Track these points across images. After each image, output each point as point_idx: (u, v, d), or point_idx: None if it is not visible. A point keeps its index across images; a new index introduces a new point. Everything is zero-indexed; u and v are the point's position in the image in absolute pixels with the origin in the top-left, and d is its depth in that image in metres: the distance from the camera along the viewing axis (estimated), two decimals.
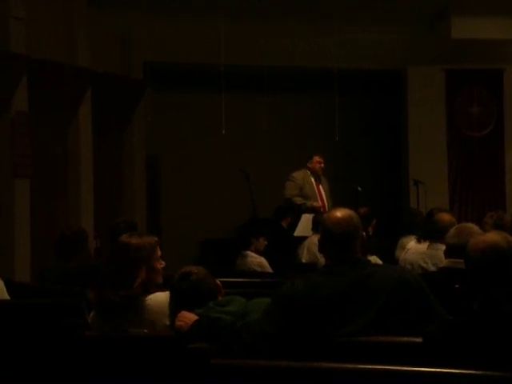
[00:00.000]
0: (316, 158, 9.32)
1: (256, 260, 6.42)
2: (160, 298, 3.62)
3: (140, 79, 10.23)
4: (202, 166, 11.66)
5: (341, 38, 10.27)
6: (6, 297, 4.40)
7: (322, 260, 4.94)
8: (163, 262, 3.80)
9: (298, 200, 9.12)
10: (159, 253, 3.79)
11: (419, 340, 2.78)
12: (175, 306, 3.50)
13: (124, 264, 3.63)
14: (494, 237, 2.68)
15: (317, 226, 7.12)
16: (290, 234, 8.54)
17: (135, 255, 3.65)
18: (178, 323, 3.34)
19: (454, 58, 11.09)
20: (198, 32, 10.20)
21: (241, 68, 10.75)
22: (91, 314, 3.68)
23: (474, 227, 4.30)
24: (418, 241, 5.77)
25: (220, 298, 3.56)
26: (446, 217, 5.30)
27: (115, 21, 9.88)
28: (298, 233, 8.46)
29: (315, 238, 6.66)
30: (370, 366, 2.62)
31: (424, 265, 5.25)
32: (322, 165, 9.33)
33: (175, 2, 9.83)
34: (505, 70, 11.45)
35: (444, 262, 4.36)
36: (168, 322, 3.52)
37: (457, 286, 3.81)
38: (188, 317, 3.34)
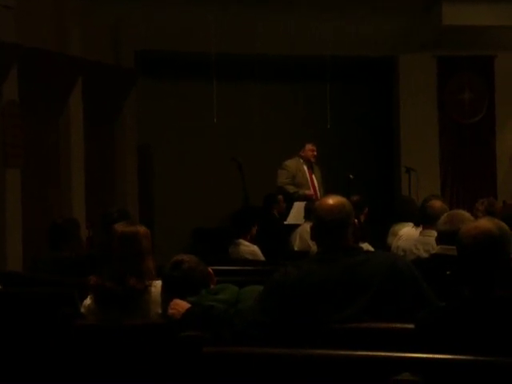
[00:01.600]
0: (309, 146, 9.32)
1: (248, 248, 6.42)
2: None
3: (131, 68, 10.20)
4: (194, 155, 11.64)
5: (332, 26, 10.25)
6: None
7: (314, 248, 4.94)
8: None
9: (291, 188, 9.13)
10: None
11: (411, 326, 2.78)
12: (167, 294, 3.50)
13: (134, 252, 3.59)
14: (485, 223, 2.67)
15: (309, 213, 7.12)
16: (281, 222, 8.55)
17: (145, 243, 3.64)
18: (170, 311, 3.35)
19: (446, 44, 11.09)
20: (190, 21, 10.17)
21: (232, 56, 10.72)
22: (85, 303, 3.65)
23: (465, 214, 4.30)
24: (416, 226, 5.77)
25: (212, 286, 3.56)
26: (437, 203, 5.30)
27: (106, 10, 9.83)
28: (289, 221, 8.47)
29: (307, 226, 6.61)
30: (363, 353, 2.63)
31: (416, 251, 5.26)
32: (315, 153, 9.34)
33: None
34: (496, 57, 11.45)
35: (436, 248, 4.36)
36: (160, 311, 3.52)
37: (448, 272, 3.82)
38: (180, 305, 3.34)
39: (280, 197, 8.92)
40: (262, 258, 6.41)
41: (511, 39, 11.22)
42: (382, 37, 10.92)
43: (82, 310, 3.61)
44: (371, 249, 5.56)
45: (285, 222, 8.52)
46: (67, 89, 8.78)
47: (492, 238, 2.61)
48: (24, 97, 7.98)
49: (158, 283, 3.59)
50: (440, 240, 4.23)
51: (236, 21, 10.30)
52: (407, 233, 5.86)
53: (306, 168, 9.32)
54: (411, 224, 6.13)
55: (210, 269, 3.65)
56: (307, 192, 9.09)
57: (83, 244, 6.63)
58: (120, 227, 3.66)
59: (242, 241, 6.42)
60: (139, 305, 3.52)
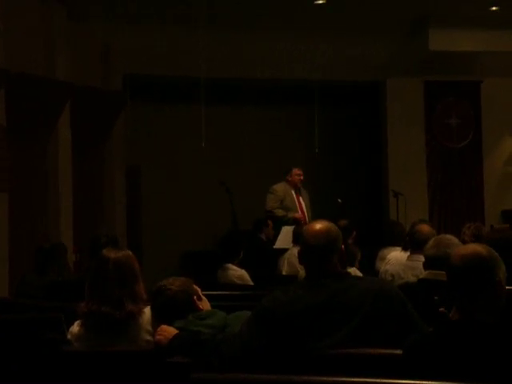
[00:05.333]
0: (295, 171, 9.33)
1: (237, 273, 6.40)
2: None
3: (120, 92, 10.21)
4: (182, 178, 11.64)
5: (320, 50, 10.32)
6: None
7: (302, 272, 4.94)
8: None
9: (279, 212, 9.14)
10: None
11: (399, 352, 2.78)
12: (155, 320, 3.49)
13: (129, 276, 3.57)
14: (476, 246, 2.70)
15: (297, 238, 7.11)
16: (269, 247, 8.54)
17: (137, 267, 3.62)
18: (157, 337, 3.33)
19: (433, 69, 11.18)
20: (178, 45, 10.21)
21: (221, 81, 10.77)
22: (72, 330, 3.61)
23: (452, 238, 4.31)
24: (404, 251, 5.77)
25: (201, 306, 3.54)
26: (425, 228, 5.30)
27: (95, 34, 9.86)
28: (278, 245, 8.46)
29: (295, 250, 6.62)
30: (351, 379, 2.62)
31: (404, 276, 5.26)
32: (301, 177, 9.35)
33: (154, 15, 9.83)
34: (482, 82, 11.55)
35: (424, 273, 4.36)
36: (148, 337, 3.49)
37: (436, 297, 3.82)
38: (167, 330, 3.33)
39: (269, 222, 8.92)
40: (250, 282, 6.39)
41: (497, 65, 11.33)
42: (370, 61, 11.00)
43: (69, 336, 3.57)
44: (359, 273, 5.57)
45: (273, 247, 8.51)
46: (55, 113, 8.77)
47: (482, 258, 2.63)
48: (12, 121, 7.96)
49: (147, 309, 3.57)
50: (427, 265, 4.22)
51: (225, 45, 10.35)
52: (395, 257, 5.86)
53: (293, 192, 9.34)
54: (399, 248, 6.14)
55: (196, 288, 3.63)
56: (296, 215, 9.11)
57: (70, 268, 6.60)
58: (111, 253, 3.64)
59: (230, 265, 6.40)
60: (130, 331, 3.50)
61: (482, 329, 2.57)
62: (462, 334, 2.58)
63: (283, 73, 10.88)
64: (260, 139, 11.71)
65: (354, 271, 5.49)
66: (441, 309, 2.68)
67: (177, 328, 3.37)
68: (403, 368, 2.66)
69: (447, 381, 2.46)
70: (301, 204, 9.33)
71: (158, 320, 3.48)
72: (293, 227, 8.20)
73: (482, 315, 2.60)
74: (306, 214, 9.26)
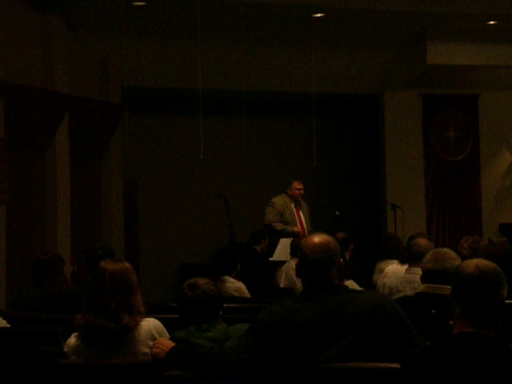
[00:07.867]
0: (296, 185, 9.28)
1: (234, 285, 6.39)
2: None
3: (118, 104, 10.22)
4: (180, 190, 11.65)
5: (318, 63, 10.34)
6: None
7: (299, 285, 4.93)
8: None
9: (278, 225, 9.11)
10: None
11: (396, 366, 2.77)
12: (183, 315, 3.52)
13: (126, 288, 3.56)
14: (485, 260, 2.70)
15: (295, 250, 7.11)
16: (264, 259, 8.50)
17: (134, 279, 3.61)
18: (154, 350, 3.32)
19: (431, 83, 11.22)
20: (176, 57, 10.23)
21: (219, 93, 10.79)
22: (69, 342, 3.59)
23: (450, 252, 4.30)
24: (402, 264, 5.77)
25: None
26: (423, 241, 5.31)
27: (93, 45, 9.88)
28: (275, 257, 8.44)
29: (293, 263, 6.66)
30: None
31: (402, 289, 5.26)
32: (302, 191, 9.31)
33: (153, 27, 9.86)
34: (480, 95, 11.58)
35: (421, 286, 4.36)
36: (146, 350, 3.47)
37: (433, 310, 3.81)
38: (164, 343, 3.32)
39: (266, 236, 8.88)
40: (247, 294, 6.39)
41: (495, 78, 11.37)
42: (368, 74, 11.03)
43: (66, 349, 3.56)
44: (356, 286, 5.56)
45: (270, 259, 8.49)
46: (54, 124, 8.78)
47: (495, 270, 2.62)
48: (10, 132, 7.97)
49: (145, 322, 3.55)
50: (425, 278, 4.22)
51: (223, 57, 10.38)
52: (393, 270, 5.86)
53: (293, 205, 9.31)
54: (396, 261, 6.14)
55: None
56: (295, 229, 9.08)
57: (67, 280, 6.58)
58: (108, 265, 3.63)
59: (227, 277, 6.40)
60: (126, 343, 3.48)
61: (483, 342, 2.56)
62: (462, 347, 2.57)
63: (282, 85, 10.90)
64: (258, 151, 11.72)
65: (351, 284, 5.49)
66: (451, 322, 2.66)
67: (177, 338, 3.36)
68: (401, 382, 2.65)
69: None
70: (300, 218, 9.30)
71: (184, 317, 3.50)
72: (290, 239, 8.19)
73: (486, 328, 2.59)
74: (305, 228, 9.23)
